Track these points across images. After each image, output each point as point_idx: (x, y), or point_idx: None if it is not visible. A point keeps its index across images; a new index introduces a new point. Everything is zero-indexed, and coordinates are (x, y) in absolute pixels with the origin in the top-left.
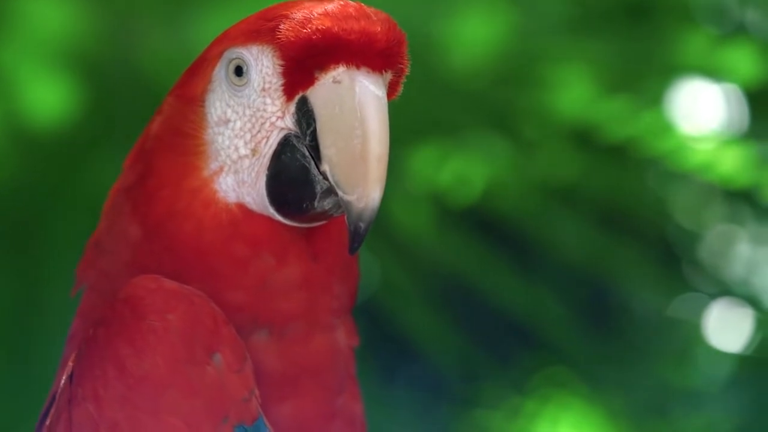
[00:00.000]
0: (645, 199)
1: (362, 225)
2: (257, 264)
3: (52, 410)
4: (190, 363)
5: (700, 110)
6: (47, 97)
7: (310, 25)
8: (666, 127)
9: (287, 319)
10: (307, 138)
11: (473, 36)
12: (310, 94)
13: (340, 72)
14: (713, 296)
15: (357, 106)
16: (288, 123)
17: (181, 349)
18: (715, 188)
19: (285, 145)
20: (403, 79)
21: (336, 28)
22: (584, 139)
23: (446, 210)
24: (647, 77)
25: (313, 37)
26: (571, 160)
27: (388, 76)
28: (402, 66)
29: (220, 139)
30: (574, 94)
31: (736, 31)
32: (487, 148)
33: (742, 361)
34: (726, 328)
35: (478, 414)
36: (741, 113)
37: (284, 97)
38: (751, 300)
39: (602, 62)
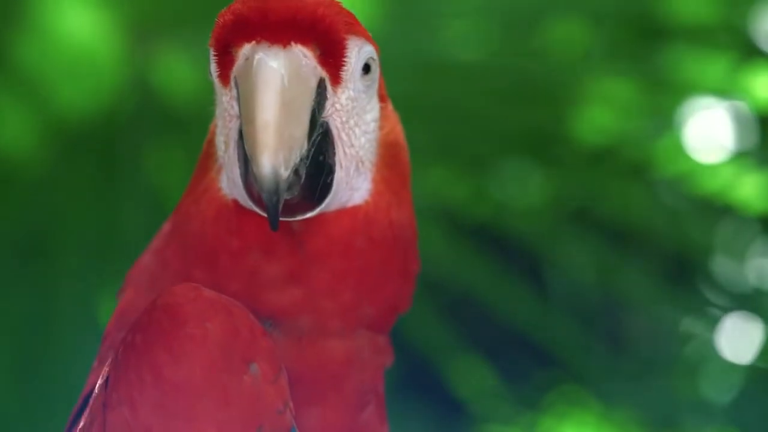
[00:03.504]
0: (657, 214)
1: (264, 196)
2: (248, 257)
3: (86, 412)
4: (227, 372)
5: (714, 133)
6: (72, 101)
7: (227, 11)
8: (680, 150)
9: (285, 314)
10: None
11: (490, 57)
12: (234, 75)
13: (247, 48)
14: (725, 310)
15: (252, 77)
16: (236, 109)
17: (218, 357)
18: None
19: (240, 132)
20: (349, 53)
21: (242, 8)
22: (599, 159)
23: (459, 227)
24: (662, 100)
25: (225, 18)
26: (584, 179)
27: (312, 51)
28: (320, 37)
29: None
30: (591, 115)
31: (751, 55)
32: (501, 167)
33: (754, 373)
34: (738, 342)
35: (491, 431)
36: (755, 136)
37: (225, 86)
38: (762, 313)
39: (618, 84)
